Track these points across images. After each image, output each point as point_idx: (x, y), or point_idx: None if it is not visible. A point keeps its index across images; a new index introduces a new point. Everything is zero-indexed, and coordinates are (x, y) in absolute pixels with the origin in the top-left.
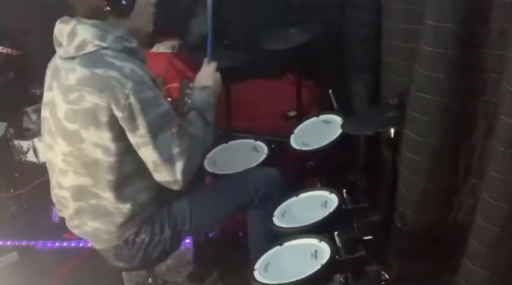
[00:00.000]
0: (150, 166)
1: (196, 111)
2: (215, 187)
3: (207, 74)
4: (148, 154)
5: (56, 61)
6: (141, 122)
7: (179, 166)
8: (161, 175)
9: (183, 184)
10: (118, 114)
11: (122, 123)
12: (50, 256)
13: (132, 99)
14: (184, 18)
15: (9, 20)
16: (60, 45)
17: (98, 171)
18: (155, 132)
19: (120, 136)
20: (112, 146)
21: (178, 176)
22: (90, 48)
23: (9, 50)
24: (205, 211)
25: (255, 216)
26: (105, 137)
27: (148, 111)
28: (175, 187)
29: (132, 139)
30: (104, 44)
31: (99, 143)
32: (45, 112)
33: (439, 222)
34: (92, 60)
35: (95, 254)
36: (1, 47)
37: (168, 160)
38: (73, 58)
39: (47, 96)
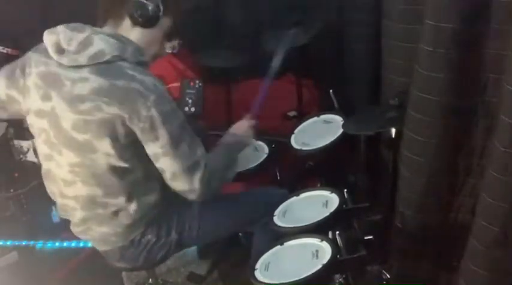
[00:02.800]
0: (168, 175)
1: (224, 145)
2: (227, 201)
3: (243, 126)
4: (168, 164)
5: (49, 69)
6: (162, 133)
7: (197, 175)
8: (178, 184)
9: (200, 194)
10: (139, 124)
11: (141, 133)
12: (50, 256)
13: (153, 111)
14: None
15: (9, 20)
16: (62, 52)
17: (107, 180)
18: (175, 143)
19: (131, 143)
20: (124, 154)
21: (196, 185)
22: (106, 58)
23: (9, 50)
24: (214, 223)
25: (261, 230)
26: (119, 146)
27: (169, 122)
28: (192, 196)
29: (152, 149)
30: (122, 55)
31: (112, 152)
32: (40, 123)
33: (439, 222)
34: (109, 70)
35: (95, 254)
36: (1, 47)
37: (187, 169)
38: (81, 67)
39: (42, 106)
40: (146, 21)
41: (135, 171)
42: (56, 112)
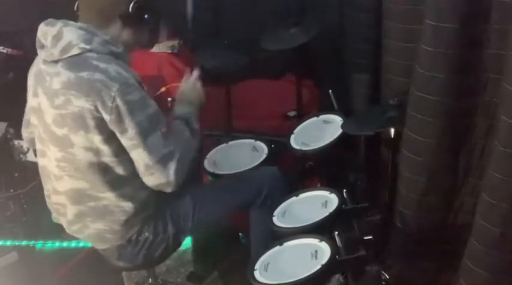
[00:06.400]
0: (141, 168)
1: (180, 119)
2: (218, 186)
3: (188, 89)
4: (139, 157)
5: (38, 66)
6: (129, 124)
7: (172, 166)
8: (153, 178)
9: (176, 185)
10: (106, 116)
11: (110, 125)
12: (50, 256)
13: (118, 101)
14: (184, 19)
15: (9, 20)
16: (42, 47)
17: (93, 174)
18: (145, 134)
19: (110, 138)
20: (104, 148)
21: (171, 177)
22: (74, 51)
23: (9, 50)
24: (208, 208)
25: (257, 215)
26: (95, 140)
27: (136, 112)
28: (168, 189)
29: (124, 141)
30: (88, 47)
31: (89, 146)
32: (34, 119)
33: (439, 222)
34: (76, 63)
35: (95, 254)
36: (1, 47)
37: (160, 161)
38: (56, 61)
39: (33, 102)
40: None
41: (119, 167)
42: (41, 108)
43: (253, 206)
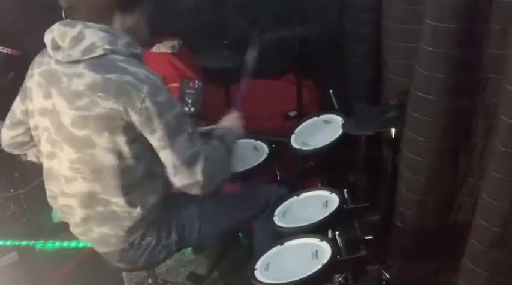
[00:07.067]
0: (170, 169)
1: (217, 138)
2: (226, 199)
3: (232, 118)
4: (167, 157)
5: (49, 67)
6: (158, 125)
7: (199, 166)
8: (181, 178)
9: (204, 187)
10: (136, 117)
11: (140, 126)
12: (50, 256)
13: (148, 103)
14: (184, 18)
15: (9, 20)
16: (58, 48)
17: (107, 176)
18: (173, 135)
19: (134, 139)
20: (126, 149)
21: (199, 176)
22: (98, 52)
23: (9, 50)
24: (214, 221)
25: (262, 226)
26: (120, 141)
27: (165, 113)
28: (196, 190)
29: (152, 142)
30: (113, 48)
31: (111, 147)
32: (42, 121)
33: (439, 222)
34: (100, 64)
35: (95, 254)
36: (1, 47)
37: (187, 161)
38: (76, 62)
39: (44, 104)
40: (133, 2)
41: (135, 171)
42: (57, 109)
43: (259, 218)
